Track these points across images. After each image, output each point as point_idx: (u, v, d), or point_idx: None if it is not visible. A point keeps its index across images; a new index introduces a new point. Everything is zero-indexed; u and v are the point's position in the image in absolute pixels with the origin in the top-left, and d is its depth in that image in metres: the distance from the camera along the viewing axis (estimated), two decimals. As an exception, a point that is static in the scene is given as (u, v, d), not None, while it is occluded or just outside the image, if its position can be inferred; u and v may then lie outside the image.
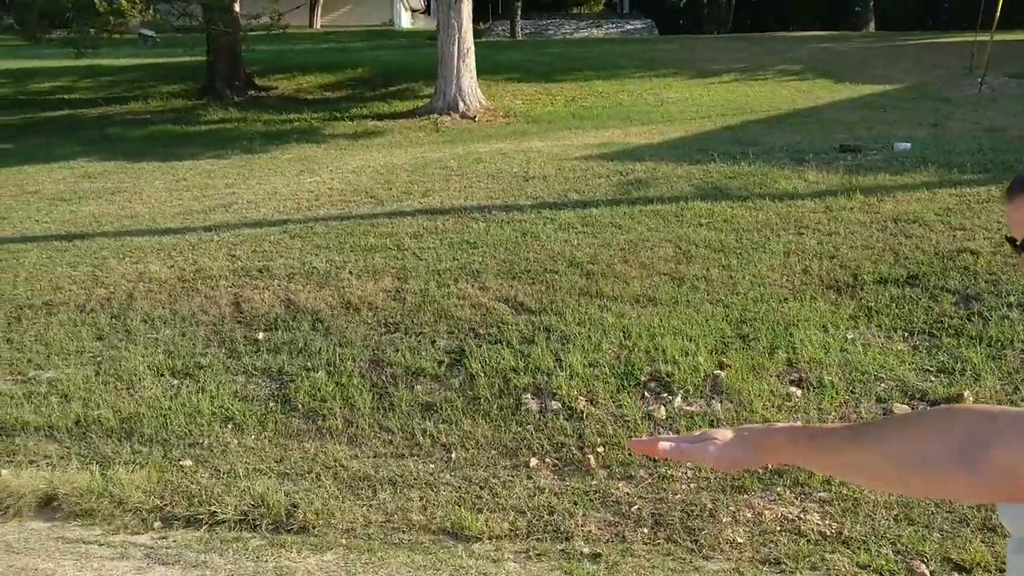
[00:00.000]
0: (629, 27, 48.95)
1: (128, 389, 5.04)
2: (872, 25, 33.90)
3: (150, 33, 35.85)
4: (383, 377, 4.94)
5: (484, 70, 15.24)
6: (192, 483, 4.18)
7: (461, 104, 12.69)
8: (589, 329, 5.11)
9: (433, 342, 5.19)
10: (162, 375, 5.16)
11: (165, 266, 6.46)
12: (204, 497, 4.05)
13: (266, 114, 13.61)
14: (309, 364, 5.10)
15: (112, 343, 5.52)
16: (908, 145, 9.02)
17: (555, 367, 4.80)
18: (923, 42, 22.35)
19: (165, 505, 4.04)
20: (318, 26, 39.60)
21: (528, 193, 7.75)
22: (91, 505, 4.03)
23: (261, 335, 5.48)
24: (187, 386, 5.02)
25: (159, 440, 4.59)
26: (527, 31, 39.93)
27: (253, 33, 14.87)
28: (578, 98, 14.69)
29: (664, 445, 1.29)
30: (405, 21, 44.60)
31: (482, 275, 5.92)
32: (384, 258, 6.33)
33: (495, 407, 4.57)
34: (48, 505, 4.11)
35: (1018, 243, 1.35)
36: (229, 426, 4.68)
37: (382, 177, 8.76)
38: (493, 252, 6.28)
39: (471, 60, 13.04)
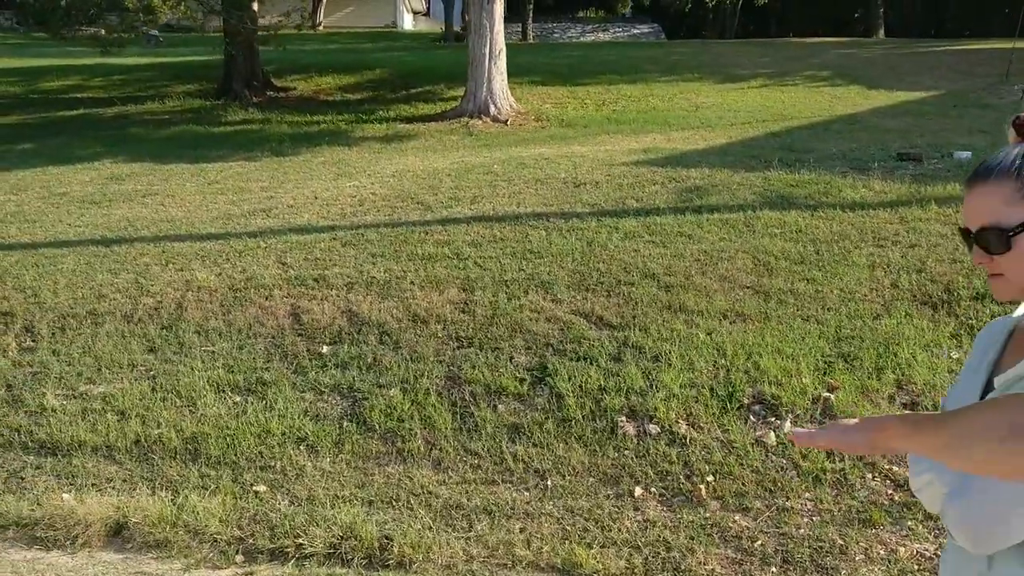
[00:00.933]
0: (636, 31, 48.82)
1: (189, 406, 4.79)
2: (882, 32, 33.80)
3: (154, 33, 35.77)
4: (462, 395, 4.68)
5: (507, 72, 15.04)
6: (271, 511, 3.92)
7: (492, 107, 12.46)
8: (679, 346, 4.86)
9: (511, 358, 4.94)
10: (223, 391, 4.90)
11: (213, 274, 6.20)
12: (287, 527, 3.79)
13: (289, 115, 13.36)
14: (381, 381, 4.85)
15: (166, 356, 5.26)
16: (969, 154, 8.79)
17: (648, 387, 4.55)
18: (946, 49, 22.19)
19: (246, 536, 3.78)
20: (320, 27, 39.40)
21: (583, 200, 7.50)
22: (165, 535, 3.77)
23: (325, 349, 5.23)
24: (252, 403, 4.76)
25: (228, 462, 4.34)
26: (533, 34, 39.80)
27: (264, 33, 14.60)
28: (608, 102, 14.47)
29: (798, 431, 1.43)
30: (407, 23, 44.42)
31: (553, 287, 5.67)
32: (445, 268, 6.08)
33: (588, 430, 4.32)
34: (118, 534, 3.85)
35: (972, 235, 1.42)
36: (302, 447, 4.43)
37: (425, 182, 8.51)
38: (560, 262, 6.03)
39: (502, 62, 12.82)
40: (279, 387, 4.89)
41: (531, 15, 36.26)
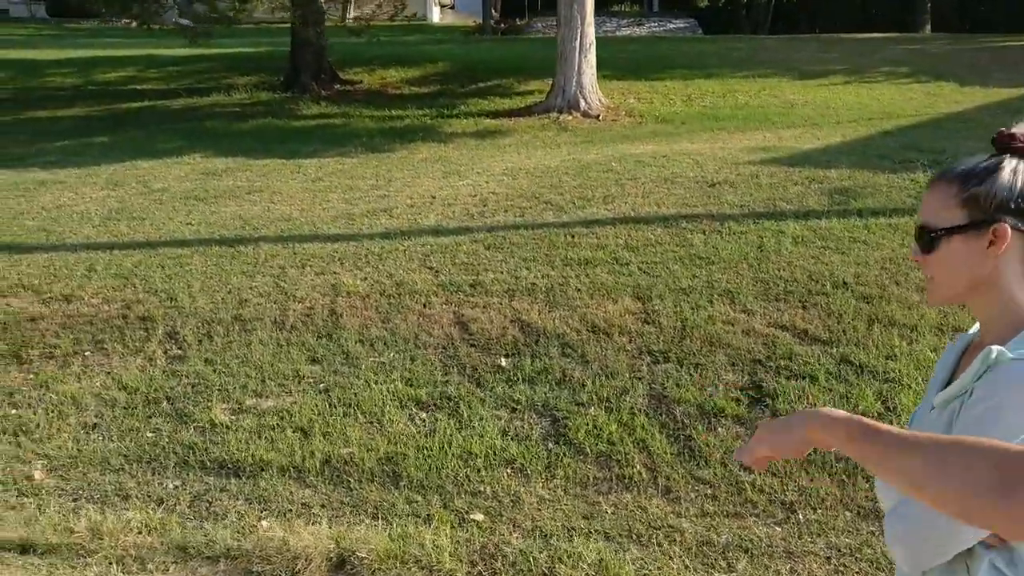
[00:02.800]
0: (672, 26, 48.49)
1: (373, 423, 4.50)
2: (928, 27, 33.25)
3: (187, 23, 35.71)
4: (672, 416, 4.38)
5: None
6: (502, 544, 3.62)
7: (582, 102, 12.14)
8: (906, 364, 4.53)
9: (718, 375, 4.63)
10: (406, 407, 4.62)
11: (358, 278, 5.92)
12: (529, 563, 3.50)
13: (365, 109, 13.10)
14: (578, 398, 4.55)
15: (333, 367, 4.98)
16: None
17: (886, 410, 4.22)
18: (1017, 44, 21.69)
19: (485, 573, 3.48)
20: (350, 19, 39.19)
21: (727, 201, 7.18)
22: (397, 571, 3.48)
23: (504, 361, 4.93)
24: (441, 421, 4.47)
25: (432, 487, 4.05)
26: (568, 28, 39.47)
27: (356, 24, 14.33)
28: (693, 97, 14.12)
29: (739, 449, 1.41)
30: (435, 16, 44.23)
31: (738, 296, 5.35)
32: (608, 274, 5.77)
33: (831, 457, 4.00)
34: (341, 568, 3.56)
35: (933, 233, 1.46)
36: (508, 471, 4.13)
37: (543, 181, 8.21)
38: (736, 269, 5.71)
39: (592, 56, 12.50)
40: (467, 403, 4.60)
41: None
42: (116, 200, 8.09)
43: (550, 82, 15.32)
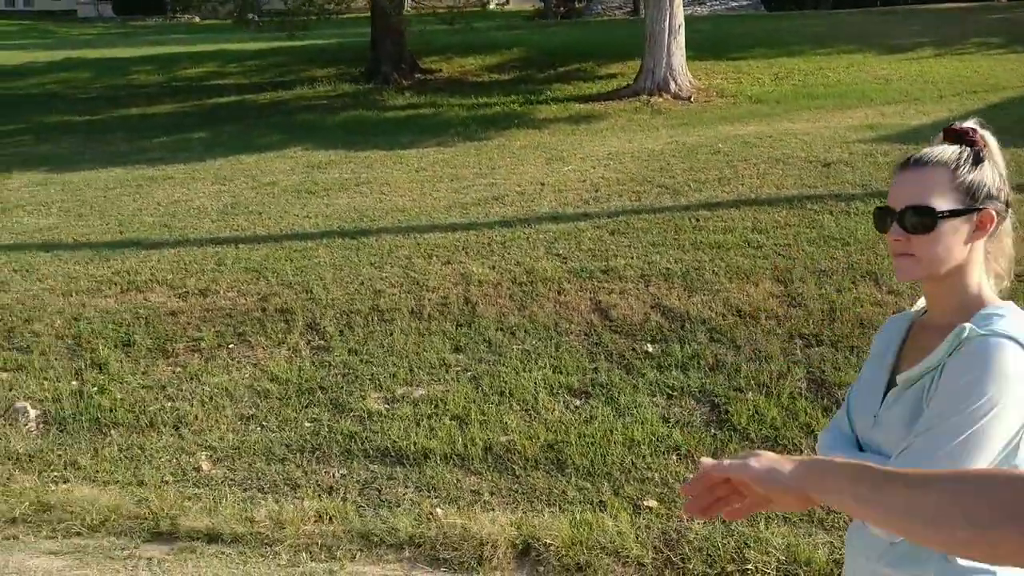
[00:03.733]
0: (735, 4, 47.78)
1: (528, 410, 4.54)
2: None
3: (254, 16, 36.21)
4: (835, 400, 4.33)
5: (639, 48, 14.57)
6: (685, 530, 3.63)
7: (672, 84, 12.05)
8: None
9: (876, 358, 4.56)
10: (558, 394, 4.65)
11: (486, 266, 5.96)
12: (716, 550, 3.50)
13: (451, 98, 13.16)
14: (734, 383, 4.53)
15: (477, 355, 5.03)
16: None
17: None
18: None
19: (674, 559, 3.49)
20: (408, 7, 39.31)
21: (846, 180, 7.07)
22: (585, 558, 3.51)
23: (650, 347, 4.93)
24: (596, 407, 4.49)
25: (600, 474, 4.07)
26: (626, 9, 39.09)
27: (447, 11, 14.39)
28: (781, 76, 13.92)
29: (705, 460, 1.33)
30: (492, 2, 44.14)
31: (882, 278, 5.28)
32: (743, 256, 5.73)
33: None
34: (526, 555, 3.61)
35: (896, 213, 1.57)
36: (673, 457, 4.14)
37: (651, 164, 8.17)
38: (874, 250, 5.62)
39: (681, 37, 12.39)
40: (619, 390, 4.61)
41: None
42: (229, 195, 8.25)
43: (630, 65, 15.25)
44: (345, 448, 4.44)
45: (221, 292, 6.01)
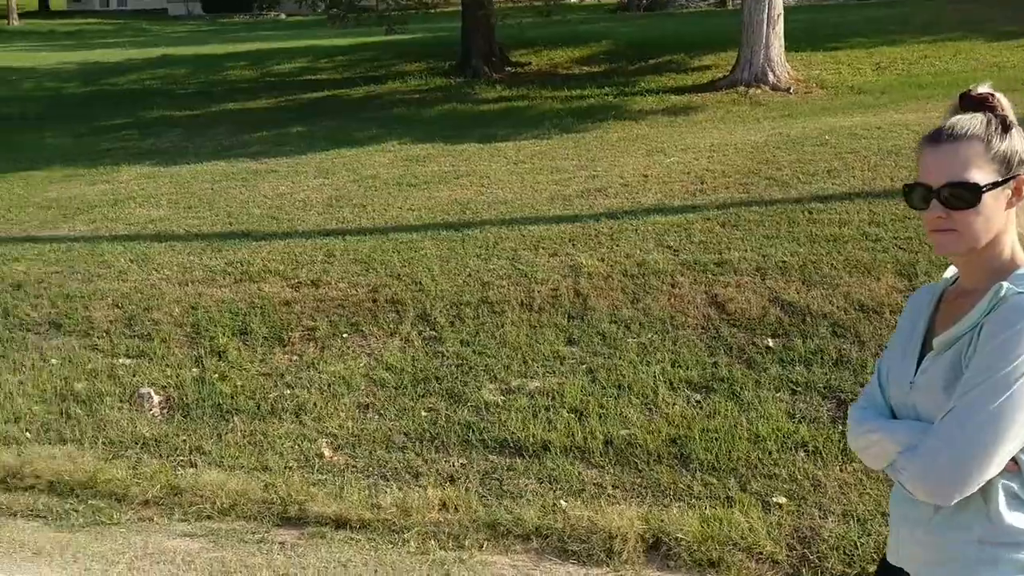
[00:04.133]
0: (823, -8, 46.79)
1: (647, 404, 4.51)
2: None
3: (336, 13, 36.72)
4: (970, 398, 4.19)
5: (732, 39, 14.33)
6: (819, 528, 3.56)
7: (770, 75, 11.82)
8: None
9: (1012, 355, 4.41)
10: (678, 388, 4.60)
11: (595, 258, 5.94)
12: (852, 549, 3.42)
13: (544, 91, 13.15)
14: (861, 380, 4.43)
15: (591, 348, 5.02)
16: None
17: None
18: None
19: (811, 557, 3.43)
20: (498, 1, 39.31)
21: (967, 173, 6.83)
22: (716, 553, 3.47)
23: (771, 342, 4.85)
24: (719, 403, 4.43)
25: (725, 469, 4.02)
26: (711, 0, 38.45)
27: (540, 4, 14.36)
28: (883, 65, 13.54)
29: None
30: None
31: (1014, 272, 5.08)
32: (862, 250, 5.59)
33: None
34: (656, 550, 3.58)
35: (934, 190, 1.57)
36: (801, 454, 4.06)
37: (756, 156, 8.03)
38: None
39: (780, 27, 12.15)
40: (741, 385, 4.54)
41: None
42: (332, 188, 8.38)
43: (723, 56, 15.02)
44: (463, 438, 4.47)
45: (332, 283, 6.11)
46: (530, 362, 4.98)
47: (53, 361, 5.54)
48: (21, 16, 45.35)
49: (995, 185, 1.57)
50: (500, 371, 4.94)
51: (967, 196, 1.56)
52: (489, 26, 15.41)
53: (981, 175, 1.56)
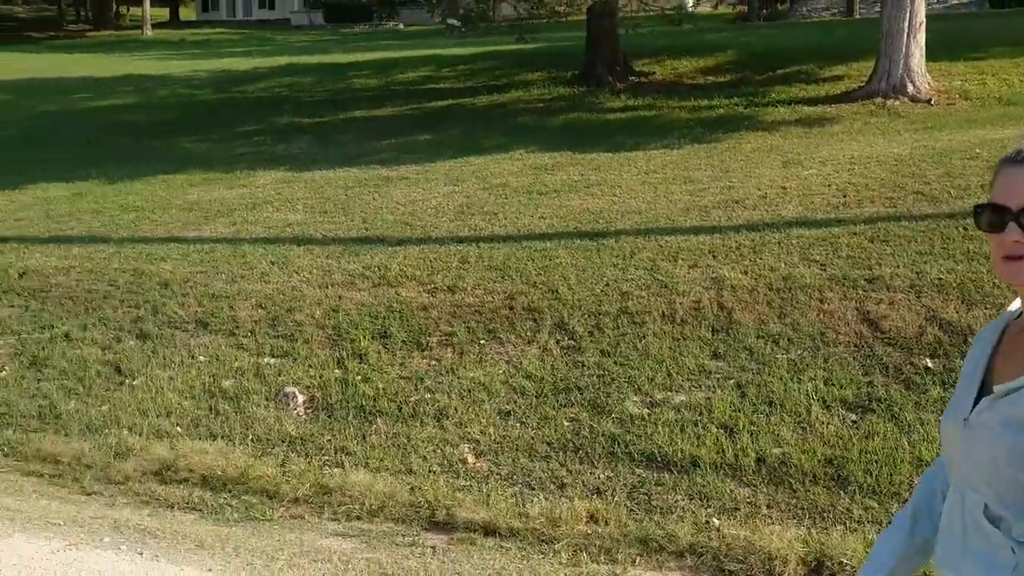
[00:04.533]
0: (955, 1, 45.08)
1: (801, 423, 4.38)
2: None
3: (456, 23, 37.27)
4: None
5: (863, 49, 13.88)
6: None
7: (910, 86, 11.41)
8: None
9: None
10: (833, 407, 4.46)
11: (737, 271, 5.82)
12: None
13: (670, 100, 13.03)
14: None
15: (739, 363, 4.91)
16: None
17: None
18: None
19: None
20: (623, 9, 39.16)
21: None
22: (885, 581, 3.32)
23: (930, 362, 4.65)
24: (879, 424, 4.27)
25: (886, 493, 3.88)
26: (832, 10, 37.44)
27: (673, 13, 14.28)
28: (1033, 77, 12.94)
29: None
30: (688, 4, 43.40)
31: None
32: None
33: None
34: (819, 574, 3.46)
35: (1014, 212, 1.42)
36: (969, 482, 3.85)
37: (900, 170, 7.76)
38: None
39: (922, 36, 11.72)
40: (901, 406, 4.37)
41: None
42: (462, 195, 8.47)
43: (855, 67, 14.60)
44: (608, 450, 4.43)
45: (468, 289, 6.16)
46: (674, 375, 4.90)
47: (201, 358, 5.75)
48: (154, 26, 47.60)
49: None
50: (644, 383, 4.88)
51: None
52: (614, 35, 15.35)
53: None
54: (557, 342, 5.44)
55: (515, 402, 4.93)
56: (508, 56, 19.55)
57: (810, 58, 16.16)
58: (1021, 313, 1.58)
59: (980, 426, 1.49)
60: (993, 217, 1.48)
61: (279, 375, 5.47)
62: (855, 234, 6.22)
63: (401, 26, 44.79)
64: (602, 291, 5.86)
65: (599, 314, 5.61)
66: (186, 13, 57.58)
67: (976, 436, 1.49)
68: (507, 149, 10.48)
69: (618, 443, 4.45)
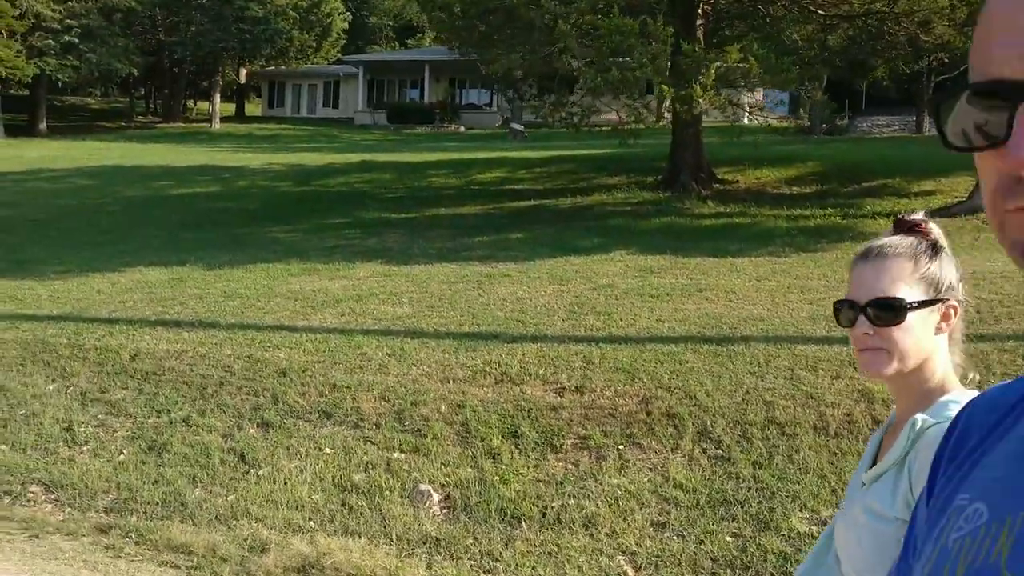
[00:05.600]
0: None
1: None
2: None
3: (520, 127, 38.03)
4: None
5: (950, 165, 13.86)
6: None
7: (1016, 202, 11.26)
8: None
9: None
10: None
11: (885, 386, 5.59)
12: None
13: (762, 209, 13.02)
14: None
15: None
16: None
17: None
18: None
19: None
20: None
21: None
22: None
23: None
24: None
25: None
26: (893, 127, 37.58)
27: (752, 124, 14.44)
28: None
29: None
30: (744, 118, 43.76)
31: None
32: None
33: None
34: None
35: (860, 306, 1.56)
36: None
37: (1031, 286, 7.55)
38: None
39: None
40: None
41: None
42: (571, 295, 8.40)
43: (943, 182, 14.60)
44: (781, 569, 4.19)
45: (597, 390, 6.01)
46: (839, 492, 4.67)
47: (327, 450, 5.62)
48: (221, 120, 49.22)
49: (922, 304, 1.55)
50: (807, 499, 4.66)
51: (893, 312, 1.54)
52: (699, 143, 15.50)
53: (908, 292, 1.55)
54: (703, 451, 5.25)
55: (669, 513, 4.72)
56: (582, 160, 19.83)
57: (894, 172, 16.19)
58: (895, 415, 1.66)
59: (851, 515, 1.58)
60: (845, 313, 1.60)
61: (410, 471, 5.33)
62: (1004, 350, 6.00)
63: (462, 128, 45.84)
64: (743, 399, 5.68)
65: (744, 423, 5.42)
66: (251, 108, 59.56)
67: (845, 527, 1.59)
68: (606, 250, 10.45)
69: (790, 562, 4.21)
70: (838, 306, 1.62)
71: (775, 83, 12.62)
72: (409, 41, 67.52)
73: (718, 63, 10.72)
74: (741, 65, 10.85)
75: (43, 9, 40.18)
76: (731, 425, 5.42)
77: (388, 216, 14.32)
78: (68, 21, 41.35)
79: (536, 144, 28.42)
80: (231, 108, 57.12)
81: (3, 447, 5.91)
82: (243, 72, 58.54)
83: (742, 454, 5.12)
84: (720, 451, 5.21)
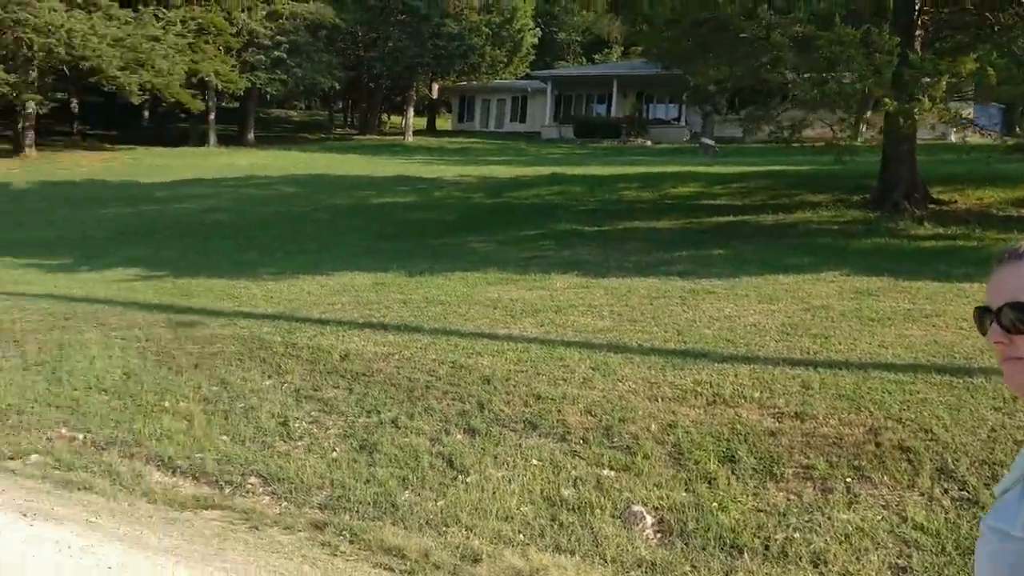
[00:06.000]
0: None
1: None
2: None
3: (711, 142, 37.26)
4: None
5: None
6: None
7: None
8: None
9: None
10: None
11: None
12: None
13: (988, 232, 12.07)
14: None
15: None
16: None
17: None
18: None
19: None
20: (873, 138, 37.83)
21: None
22: None
23: None
24: None
25: None
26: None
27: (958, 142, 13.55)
28: None
29: None
30: (951, 136, 41.17)
31: None
32: None
33: None
34: None
35: (993, 312, 1.43)
36: None
37: None
38: None
39: None
40: None
41: None
42: (782, 315, 8.00)
43: None
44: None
45: (819, 418, 5.64)
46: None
47: (535, 462, 5.52)
48: (413, 133, 50.88)
49: None
50: None
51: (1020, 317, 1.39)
52: (913, 160, 14.59)
53: None
54: (945, 491, 4.80)
55: (910, 558, 4.32)
56: (778, 176, 19.15)
57: None
58: None
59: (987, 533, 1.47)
60: (980, 320, 1.47)
61: (621, 490, 5.14)
62: None
63: (649, 143, 45.44)
64: (989, 437, 5.18)
65: (992, 463, 4.93)
66: (441, 123, 61.35)
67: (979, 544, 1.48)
68: (816, 270, 9.93)
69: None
70: (976, 312, 1.49)
71: (1015, 95, 11.65)
72: (596, 56, 67.74)
73: (948, 74, 9.98)
74: (974, 77, 10.08)
75: (257, 27, 42.82)
76: (976, 465, 4.94)
77: (581, 228, 14.24)
78: (278, 38, 43.88)
79: (727, 159, 27.76)
80: (422, 122, 59.04)
81: (224, 438, 6.15)
82: (435, 87, 60.41)
83: (992, 499, 4.64)
84: (965, 493, 4.75)
